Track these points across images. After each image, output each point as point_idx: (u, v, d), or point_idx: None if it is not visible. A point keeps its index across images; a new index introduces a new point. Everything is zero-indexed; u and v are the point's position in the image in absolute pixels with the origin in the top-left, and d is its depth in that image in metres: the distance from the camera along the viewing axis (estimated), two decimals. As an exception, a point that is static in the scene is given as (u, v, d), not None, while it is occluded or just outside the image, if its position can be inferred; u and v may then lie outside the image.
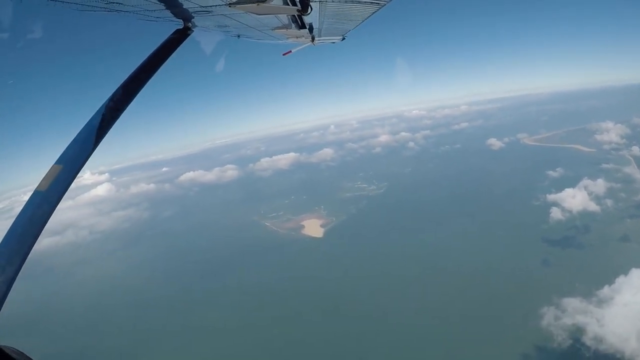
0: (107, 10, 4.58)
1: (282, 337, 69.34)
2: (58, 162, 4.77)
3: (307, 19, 5.54)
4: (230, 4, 4.07)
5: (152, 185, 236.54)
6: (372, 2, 5.75)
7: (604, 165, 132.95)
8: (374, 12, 6.10)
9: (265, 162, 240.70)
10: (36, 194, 4.32)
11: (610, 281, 67.98)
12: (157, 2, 4.34)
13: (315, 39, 7.28)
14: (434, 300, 72.43)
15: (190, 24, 4.75)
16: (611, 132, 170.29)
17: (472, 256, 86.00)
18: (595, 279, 69.78)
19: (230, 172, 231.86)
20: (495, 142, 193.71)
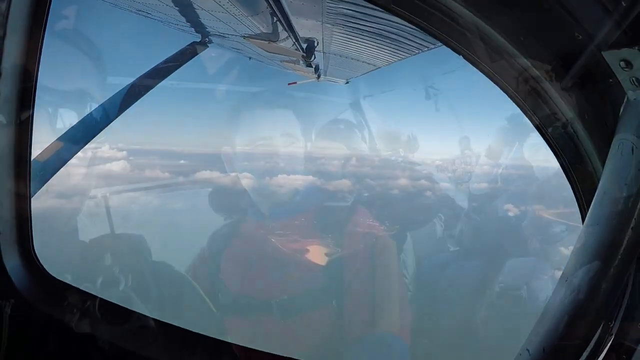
0: (136, 13, 5.01)
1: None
2: (60, 139, 5.03)
3: (313, 61, 5.93)
4: (244, 36, 4.50)
5: (166, 174, 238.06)
6: (368, 63, 6.12)
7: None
8: (373, 69, 6.47)
9: (282, 178, 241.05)
10: (34, 162, 4.62)
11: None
12: (184, 21, 4.80)
13: (321, 76, 7.76)
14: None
15: (207, 40, 5.19)
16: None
17: (468, 314, 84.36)
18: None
19: (246, 180, 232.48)
20: (512, 208, 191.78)
